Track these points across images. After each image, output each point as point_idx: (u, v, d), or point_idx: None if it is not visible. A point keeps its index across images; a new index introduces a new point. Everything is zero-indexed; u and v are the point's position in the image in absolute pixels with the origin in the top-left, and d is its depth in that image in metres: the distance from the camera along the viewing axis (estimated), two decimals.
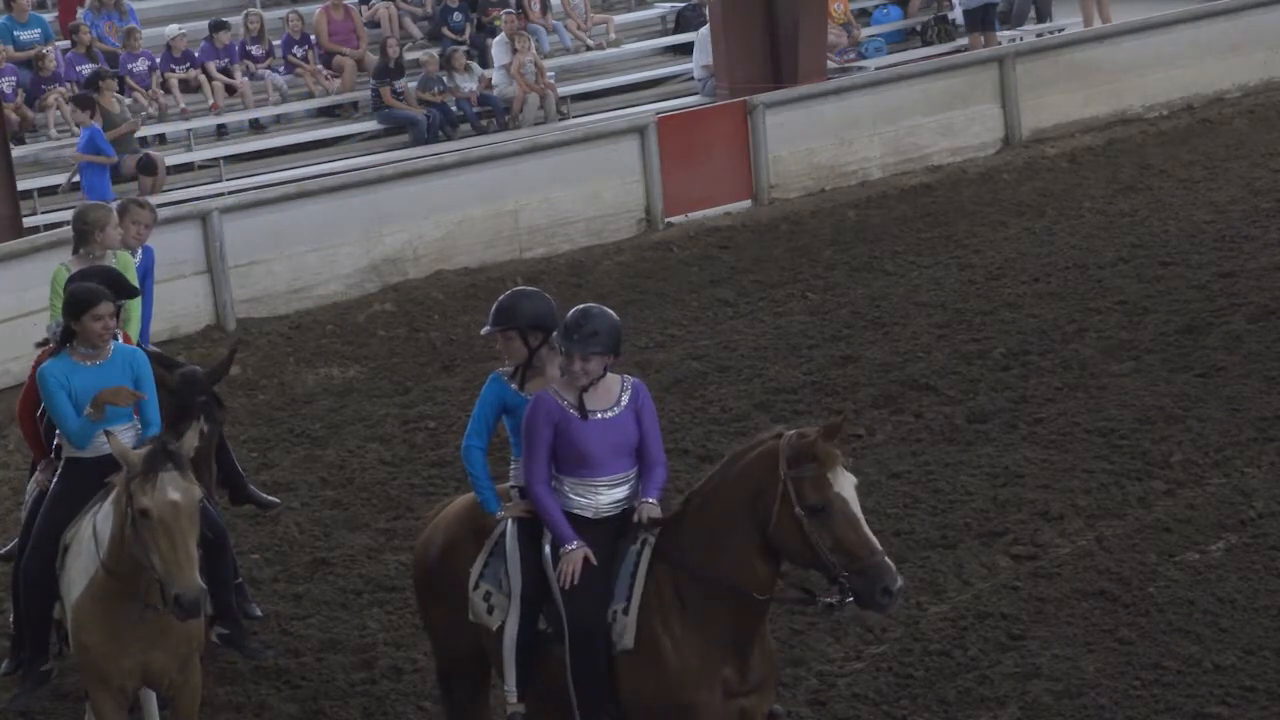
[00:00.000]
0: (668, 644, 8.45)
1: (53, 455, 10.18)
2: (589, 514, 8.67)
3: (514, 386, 8.91)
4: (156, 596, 8.81)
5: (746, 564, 8.38)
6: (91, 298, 9.49)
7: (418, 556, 9.42)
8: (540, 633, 8.76)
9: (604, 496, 8.69)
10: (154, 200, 20.57)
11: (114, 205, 12.02)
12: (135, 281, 11.02)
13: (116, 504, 8.92)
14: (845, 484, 8.29)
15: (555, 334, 8.78)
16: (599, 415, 8.61)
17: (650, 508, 8.64)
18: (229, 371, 11.35)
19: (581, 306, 8.70)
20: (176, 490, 8.60)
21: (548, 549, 8.70)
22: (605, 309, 8.70)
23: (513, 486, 8.98)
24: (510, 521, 8.85)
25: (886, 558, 8.23)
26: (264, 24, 24.37)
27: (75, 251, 11.43)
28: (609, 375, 8.68)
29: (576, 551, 8.55)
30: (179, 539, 8.54)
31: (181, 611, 8.58)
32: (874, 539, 8.25)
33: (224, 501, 11.78)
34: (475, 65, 24.26)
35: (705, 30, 24.65)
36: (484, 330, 9.03)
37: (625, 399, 8.68)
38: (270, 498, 12.25)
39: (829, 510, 8.19)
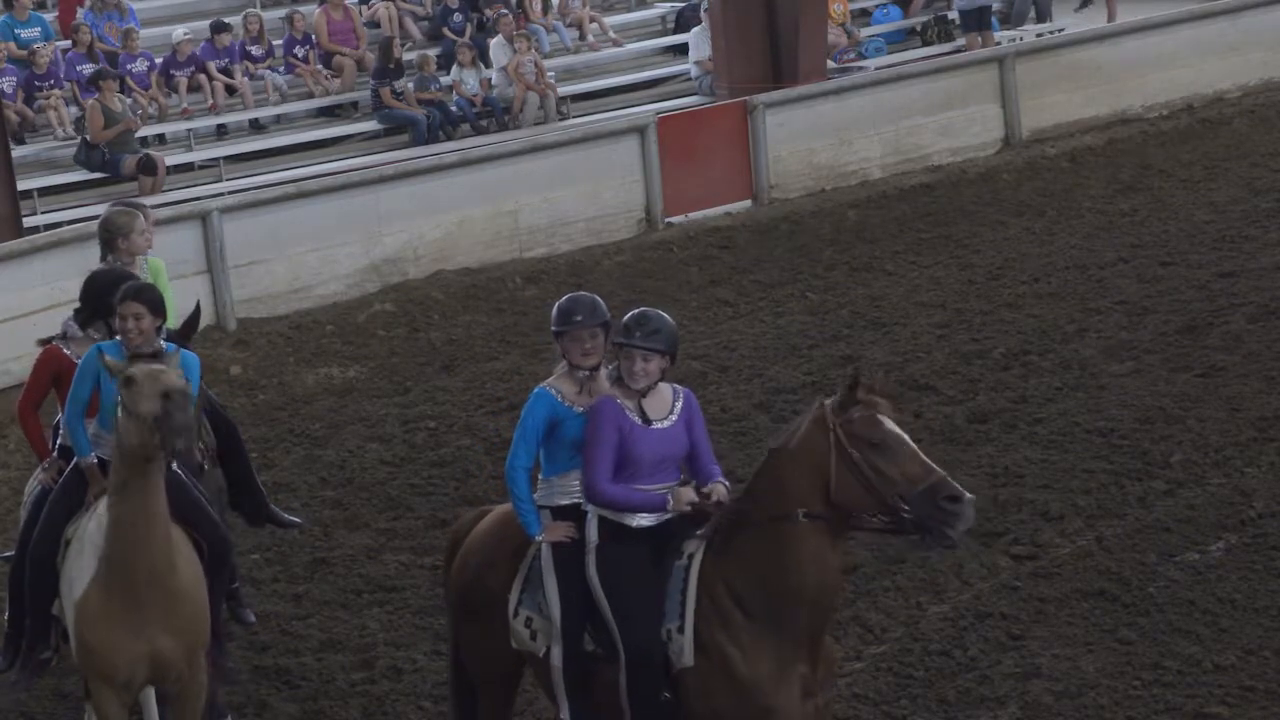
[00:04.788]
0: (736, 653, 8.40)
1: (55, 454, 10.17)
2: (625, 521, 8.60)
3: (566, 401, 8.73)
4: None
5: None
6: (122, 295, 9.55)
7: (453, 575, 9.29)
8: (589, 654, 8.68)
9: None
10: (154, 200, 20.75)
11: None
12: (167, 289, 10.99)
13: (110, 507, 8.99)
14: (894, 424, 8.37)
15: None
16: (657, 425, 8.59)
17: (720, 488, 8.61)
18: (197, 328, 11.17)
19: (638, 309, 8.68)
20: (160, 367, 8.83)
21: (591, 567, 8.60)
22: (661, 312, 8.67)
23: (543, 507, 8.84)
24: (544, 546, 8.76)
25: (949, 478, 8.27)
26: (263, 24, 24.38)
27: (102, 259, 11.10)
28: (662, 384, 8.65)
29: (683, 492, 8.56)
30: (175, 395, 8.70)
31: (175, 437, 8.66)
32: (932, 464, 8.30)
33: (235, 520, 11.72)
34: (479, 64, 24.28)
35: (699, 28, 24.70)
36: (560, 328, 8.72)
37: (678, 408, 8.67)
38: (292, 518, 12.06)
39: (885, 444, 8.26)
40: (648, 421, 8.56)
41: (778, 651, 8.39)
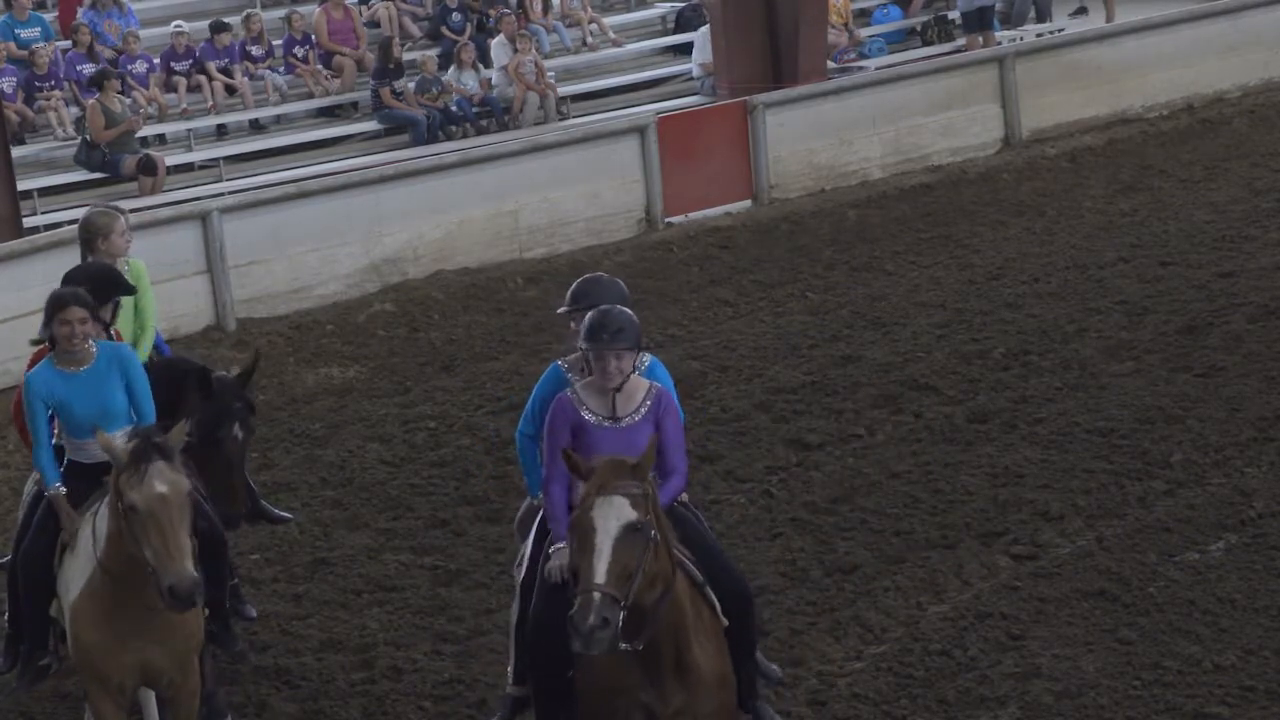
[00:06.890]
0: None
1: None
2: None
3: (573, 376, 8.86)
4: (154, 595, 8.81)
5: None
6: (60, 301, 9.45)
7: None
8: None
9: None
10: (154, 200, 20.78)
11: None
12: (148, 291, 10.99)
13: (110, 502, 8.92)
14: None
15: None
16: (623, 422, 8.60)
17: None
18: (255, 376, 11.23)
19: (598, 308, 8.70)
20: (164, 483, 8.57)
21: (545, 541, 8.77)
22: (619, 306, 8.72)
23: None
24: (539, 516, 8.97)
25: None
26: (264, 24, 24.38)
27: (83, 261, 11.05)
28: (636, 379, 8.68)
29: (565, 551, 8.52)
30: (169, 531, 8.51)
31: (176, 602, 8.53)
32: None
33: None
34: (478, 64, 24.29)
35: (705, 30, 24.68)
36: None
37: (647, 406, 8.67)
38: (283, 513, 12.07)
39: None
40: (617, 419, 8.59)
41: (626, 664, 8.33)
